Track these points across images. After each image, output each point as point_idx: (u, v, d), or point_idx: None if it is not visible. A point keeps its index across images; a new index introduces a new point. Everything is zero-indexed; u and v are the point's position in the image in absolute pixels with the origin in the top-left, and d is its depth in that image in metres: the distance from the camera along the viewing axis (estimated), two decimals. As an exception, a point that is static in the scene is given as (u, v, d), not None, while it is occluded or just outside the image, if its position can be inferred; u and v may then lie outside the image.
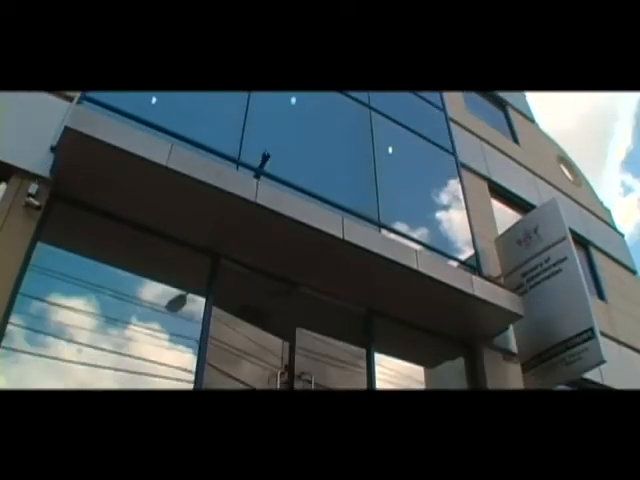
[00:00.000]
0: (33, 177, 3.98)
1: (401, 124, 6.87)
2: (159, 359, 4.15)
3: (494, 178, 7.96)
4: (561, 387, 5.98)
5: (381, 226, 5.58)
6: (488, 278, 5.84)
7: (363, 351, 5.15)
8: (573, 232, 6.91)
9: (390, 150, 6.61)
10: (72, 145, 3.93)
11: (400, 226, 5.88)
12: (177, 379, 4.11)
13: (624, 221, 48.66)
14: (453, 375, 5.99)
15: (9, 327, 3.56)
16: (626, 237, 10.61)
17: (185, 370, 4.11)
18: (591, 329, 5.45)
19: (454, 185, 6.97)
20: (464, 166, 7.31)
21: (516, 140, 9.50)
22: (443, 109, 7.78)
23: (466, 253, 6.35)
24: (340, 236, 4.65)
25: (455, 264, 6.03)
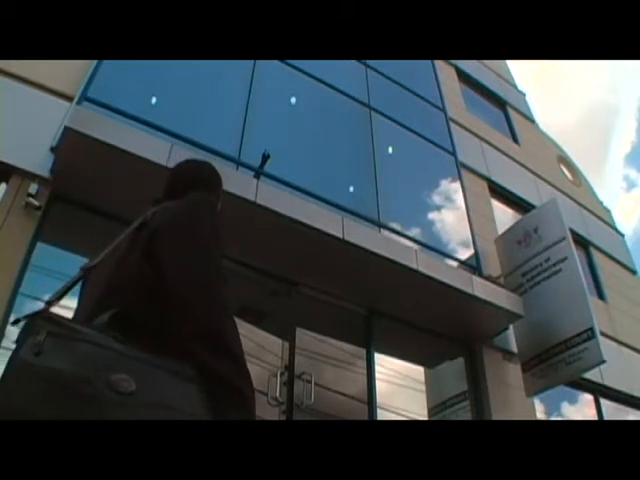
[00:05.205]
0: (33, 177, 3.98)
1: (401, 124, 6.87)
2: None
3: (494, 178, 7.96)
4: (562, 387, 5.99)
5: (381, 226, 5.57)
6: (488, 278, 5.84)
7: (363, 351, 5.15)
8: (573, 232, 6.91)
9: (390, 150, 6.60)
10: (72, 145, 3.93)
11: (400, 226, 5.88)
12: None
13: (628, 216, 48.56)
14: (453, 375, 5.99)
15: (9, 327, 3.55)
16: (630, 232, 10.63)
17: (185, 370, 4.10)
18: (591, 329, 5.46)
19: (454, 185, 6.96)
20: (464, 166, 7.31)
21: (516, 140, 9.49)
22: (443, 109, 7.77)
23: (466, 253, 6.34)
24: (340, 236, 4.65)
25: (455, 264, 6.03)
